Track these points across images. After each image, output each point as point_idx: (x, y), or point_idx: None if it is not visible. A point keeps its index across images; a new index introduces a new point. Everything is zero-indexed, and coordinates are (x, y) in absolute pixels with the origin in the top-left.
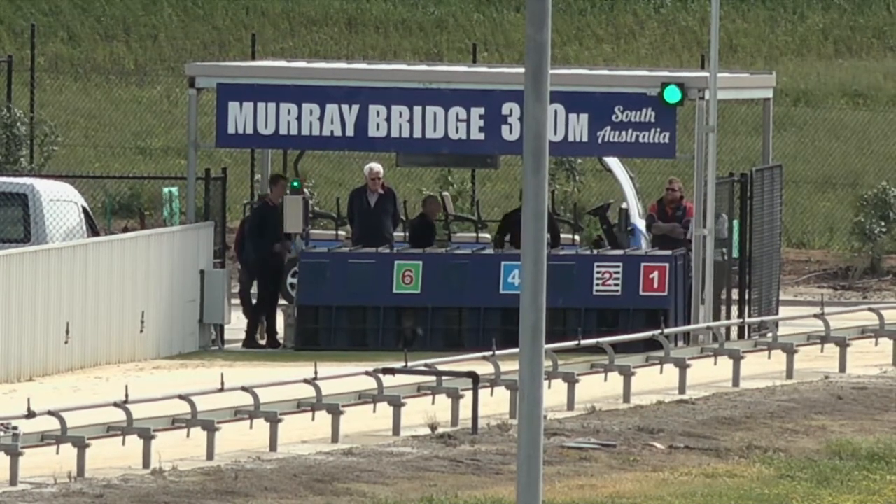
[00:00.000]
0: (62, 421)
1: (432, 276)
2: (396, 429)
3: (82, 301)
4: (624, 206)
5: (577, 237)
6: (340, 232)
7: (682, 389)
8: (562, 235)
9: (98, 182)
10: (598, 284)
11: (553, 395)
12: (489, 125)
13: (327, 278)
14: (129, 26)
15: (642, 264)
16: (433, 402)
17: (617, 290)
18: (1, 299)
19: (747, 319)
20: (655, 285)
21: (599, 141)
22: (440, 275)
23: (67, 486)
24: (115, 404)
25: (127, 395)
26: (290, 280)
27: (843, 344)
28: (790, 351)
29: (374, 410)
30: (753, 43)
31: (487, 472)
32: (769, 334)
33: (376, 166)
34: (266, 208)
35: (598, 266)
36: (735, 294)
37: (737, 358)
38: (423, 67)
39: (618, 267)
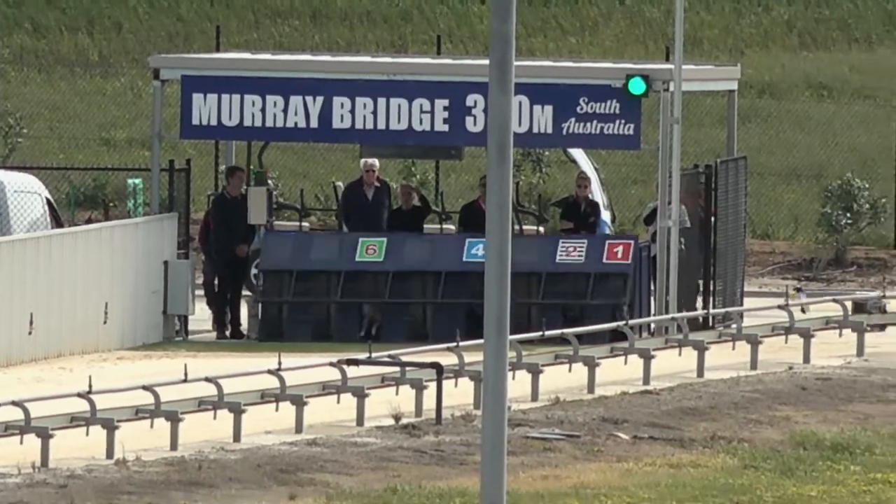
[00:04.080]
0: (26, 411)
1: (396, 248)
2: (360, 419)
3: (46, 292)
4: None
5: (541, 228)
6: (304, 224)
7: (646, 380)
8: (526, 227)
9: (62, 173)
10: (561, 255)
11: (517, 385)
12: (453, 117)
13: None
14: (94, 18)
15: (607, 241)
16: (397, 393)
17: (580, 258)
18: None
19: (712, 310)
20: (619, 256)
21: (564, 132)
22: (405, 246)
23: (31, 476)
24: (79, 395)
25: (91, 386)
26: (253, 271)
27: (807, 335)
28: (754, 342)
29: (339, 401)
30: (718, 35)
31: (452, 462)
32: (733, 325)
33: (372, 160)
34: (224, 200)
35: (563, 242)
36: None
37: (701, 349)
38: (388, 59)
39: (582, 242)
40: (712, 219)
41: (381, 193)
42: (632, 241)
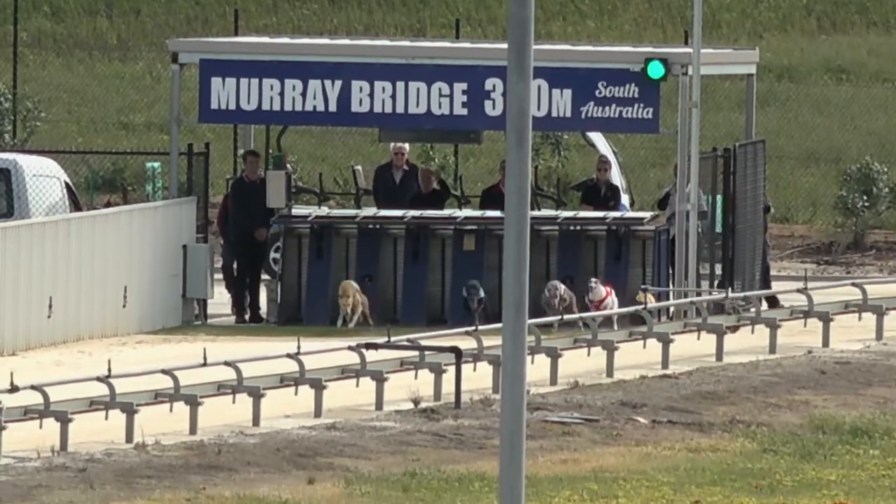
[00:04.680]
0: (45, 395)
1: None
2: (379, 403)
3: (65, 276)
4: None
5: (560, 212)
6: (323, 208)
7: (665, 364)
8: (545, 211)
9: (81, 157)
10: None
11: (536, 370)
12: (472, 101)
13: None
14: (112, 1)
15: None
16: (416, 377)
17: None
18: None
19: (730, 294)
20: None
21: (583, 116)
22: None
23: (50, 460)
24: (98, 379)
25: (110, 370)
26: (272, 255)
27: (826, 319)
28: (773, 326)
29: (357, 385)
30: (737, 18)
31: (470, 446)
32: (752, 309)
33: (401, 143)
34: (243, 184)
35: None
36: (718, 269)
37: (720, 333)
38: (406, 43)
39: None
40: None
41: (409, 177)
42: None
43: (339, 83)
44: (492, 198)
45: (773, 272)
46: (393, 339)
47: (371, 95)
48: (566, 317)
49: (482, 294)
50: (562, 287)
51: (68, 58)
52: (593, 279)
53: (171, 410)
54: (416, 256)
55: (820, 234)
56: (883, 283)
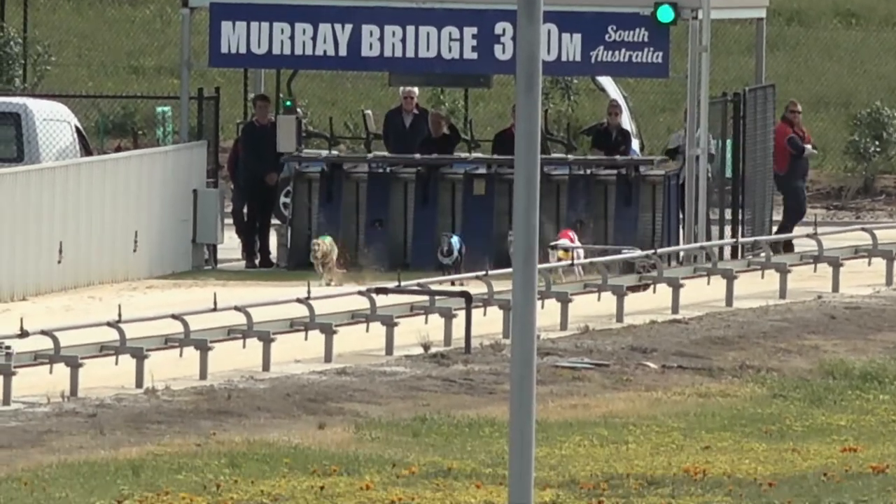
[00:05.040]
0: (55, 340)
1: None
2: (389, 348)
3: (75, 221)
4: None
5: (570, 156)
6: (333, 152)
7: (675, 309)
8: (555, 155)
9: (91, 102)
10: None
11: (546, 314)
12: (482, 45)
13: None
14: None
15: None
16: (426, 322)
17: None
18: None
19: (740, 239)
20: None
21: (592, 60)
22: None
23: (60, 405)
24: (108, 324)
25: (120, 315)
26: (282, 200)
27: (836, 264)
28: (783, 271)
29: (367, 330)
30: None
31: (480, 391)
32: (762, 254)
33: (410, 87)
34: (253, 128)
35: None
36: (728, 213)
37: (730, 278)
38: None
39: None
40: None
41: (419, 121)
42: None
43: (349, 27)
44: (504, 141)
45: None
46: (403, 283)
47: (381, 39)
48: (577, 261)
49: (456, 246)
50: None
51: (78, 2)
52: (557, 241)
53: (181, 355)
54: (426, 201)
55: (830, 179)
56: (893, 227)
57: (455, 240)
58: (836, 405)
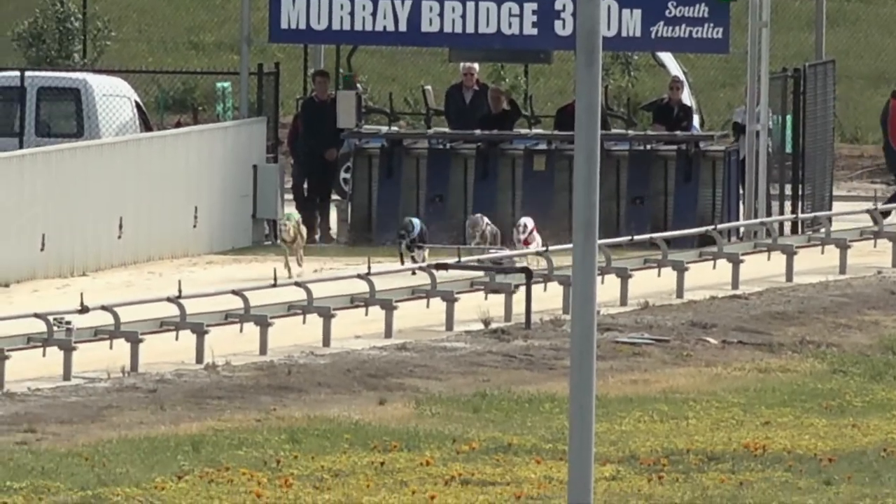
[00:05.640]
0: (115, 316)
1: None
2: (450, 324)
3: (135, 196)
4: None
5: (630, 132)
6: (393, 127)
7: (735, 285)
8: (615, 131)
9: (151, 77)
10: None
11: (606, 290)
12: (542, 20)
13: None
14: None
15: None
16: (486, 298)
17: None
18: (54, 194)
19: (800, 215)
20: None
21: (653, 36)
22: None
23: (121, 380)
24: (169, 299)
25: (180, 291)
26: (342, 175)
27: (895, 239)
28: (843, 246)
29: (428, 306)
30: None
31: (540, 367)
32: (822, 230)
33: (471, 63)
34: (312, 104)
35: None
36: (788, 189)
37: (790, 253)
38: None
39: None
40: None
41: (480, 97)
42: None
43: (409, 2)
44: (564, 117)
45: (842, 192)
46: (463, 259)
47: (441, 15)
48: (636, 237)
49: (416, 232)
50: (483, 221)
51: None
52: (523, 219)
53: (241, 331)
54: (486, 177)
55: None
56: None
57: (416, 221)
58: None
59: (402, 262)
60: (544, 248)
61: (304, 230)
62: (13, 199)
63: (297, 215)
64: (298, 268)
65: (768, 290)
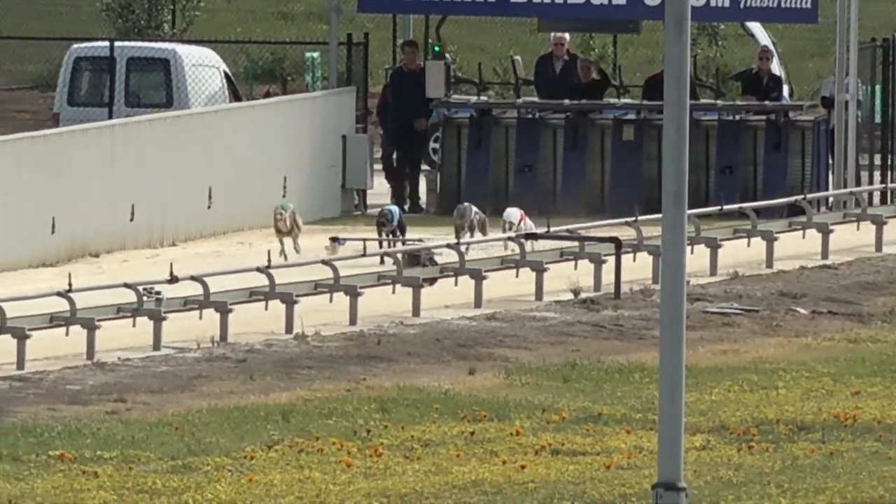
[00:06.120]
0: (205, 286)
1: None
2: (539, 294)
3: (224, 166)
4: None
5: (719, 102)
6: (482, 97)
7: (824, 255)
8: (704, 101)
9: (240, 47)
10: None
11: (696, 260)
12: None
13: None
14: None
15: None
16: (576, 268)
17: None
18: (144, 165)
19: (890, 185)
20: None
21: (741, 6)
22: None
23: (210, 350)
24: (258, 269)
25: (269, 261)
26: (432, 145)
27: None
28: None
29: (517, 275)
30: None
31: (630, 337)
32: None
33: (561, 33)
34: (402, 74)
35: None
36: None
37: (880, 223)
38: None
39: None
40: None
41: (569, 67)
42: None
43: None
44: (653, 87)
45: None
46: (552, 229)
47: None
48: (726, 207)
49: (395, 221)
50: (472, 210)
51: None
52: (509, 211)
53: (330, 301)
54: (575, 146)
55: None
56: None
57: (395, 210)
58: None
59: (381, 246)
60: (633, 218)
61: (300, 221)
62: (103, 170)
63: (291, 205)
64: (296, 254)
65: (858, 260)
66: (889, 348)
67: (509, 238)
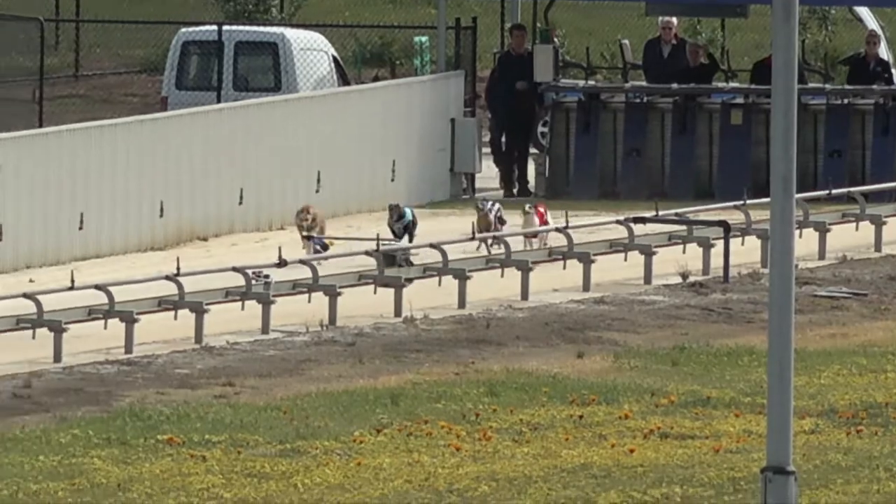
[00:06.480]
0: (313, 270)
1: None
2: (648, 277)
3: (333, 150)
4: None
5: (827, 86)
6: (590, 81)
7: None
8: (812, 85)
9: (348, 31)
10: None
11: (804, 244)
12: None
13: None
14: None
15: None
16: (684, 251)
17: None
18: (252, 149)
19: None
20: None
21: None
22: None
23: (319, 334)
24: (367, 253)
25: (378, 245)
26: (540, 129)
27: None
28: None
29: (626, 259)
30: None
31: (739, 320)
32: None
33: (669, 17)
34: (510, 58)
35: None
36: None
37: None
38: None
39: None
40: None
41: (677, 51)
42: None
43: None
44: (762, 71)
45: None
46: (661, 212)
47: None
48: (834, 191)
49: (408, 216)
50: (495, 208)
51: None
52: (527, 206)
53: (439, 284)
54: (683, 130)
55: None
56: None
57: (407, 210)
58: None
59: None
60: (741, 202)
61: (324, 223)
62: (212, 154)
63: (316, 207)
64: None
65: None
66: None
67: (556, 229)
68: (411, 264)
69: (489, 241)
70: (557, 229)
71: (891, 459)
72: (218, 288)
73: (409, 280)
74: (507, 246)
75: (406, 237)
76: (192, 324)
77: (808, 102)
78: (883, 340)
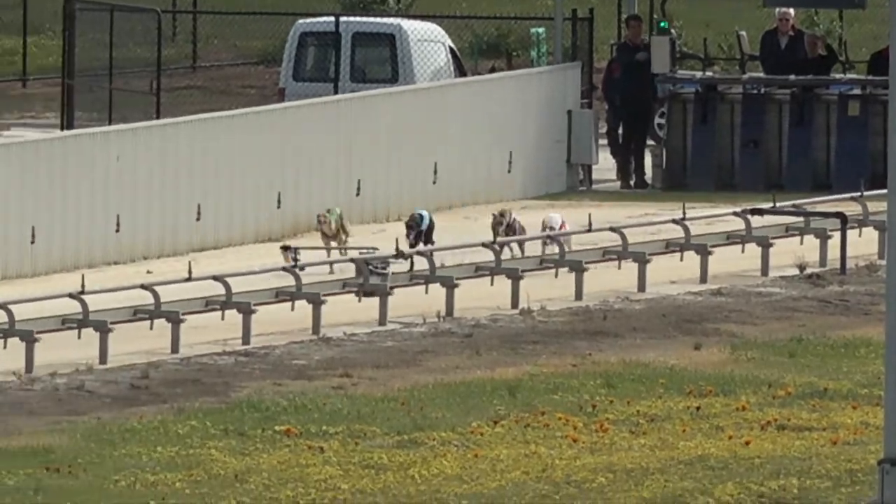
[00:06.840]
0: (430, 261)
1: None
2: (765, 269)
3: (450, 141)
4: None
5: None
6: (708, 73)
7: None
8: None
9: (465, 22)
10: None
11: None
12: None
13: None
14: None
15: None
16: (801, 243)
17: None
18: (369, 140)
19: None
20: None
21: None
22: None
23: (436, 325)
24: (484, 245)
25: (495, 237)
26: (657, 121)
27: None
28: None
29: (743, 251)
30: None
31: (856, 312)
32: None
33: (786, 9)
34: (627, 49)
35: None
36: None
37: None
38: None
39: None
40: None
41: (795, 42)
42: None
43: None
44: (880, 62)
45: None
46: (778, 204)
47: None
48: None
49: (424, 225)
50: (510, 215)
51: None
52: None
53: (556, 276)
54: (801, 122)
55: None
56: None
57: (425, 214)
58: None
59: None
60: (859, 194)
61: (347, 226)
62: (329, 145)
63: (339, 210)
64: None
65: None
66: None
67: (550, 236)
68: (384, 274)
69: (545, 242)
70: (675, 221)
71: None
72: (336, 279)
73: (392, 290)
74: (623, 238)
75: (409, 245)
76: (310, 315)
77: None
78: None
